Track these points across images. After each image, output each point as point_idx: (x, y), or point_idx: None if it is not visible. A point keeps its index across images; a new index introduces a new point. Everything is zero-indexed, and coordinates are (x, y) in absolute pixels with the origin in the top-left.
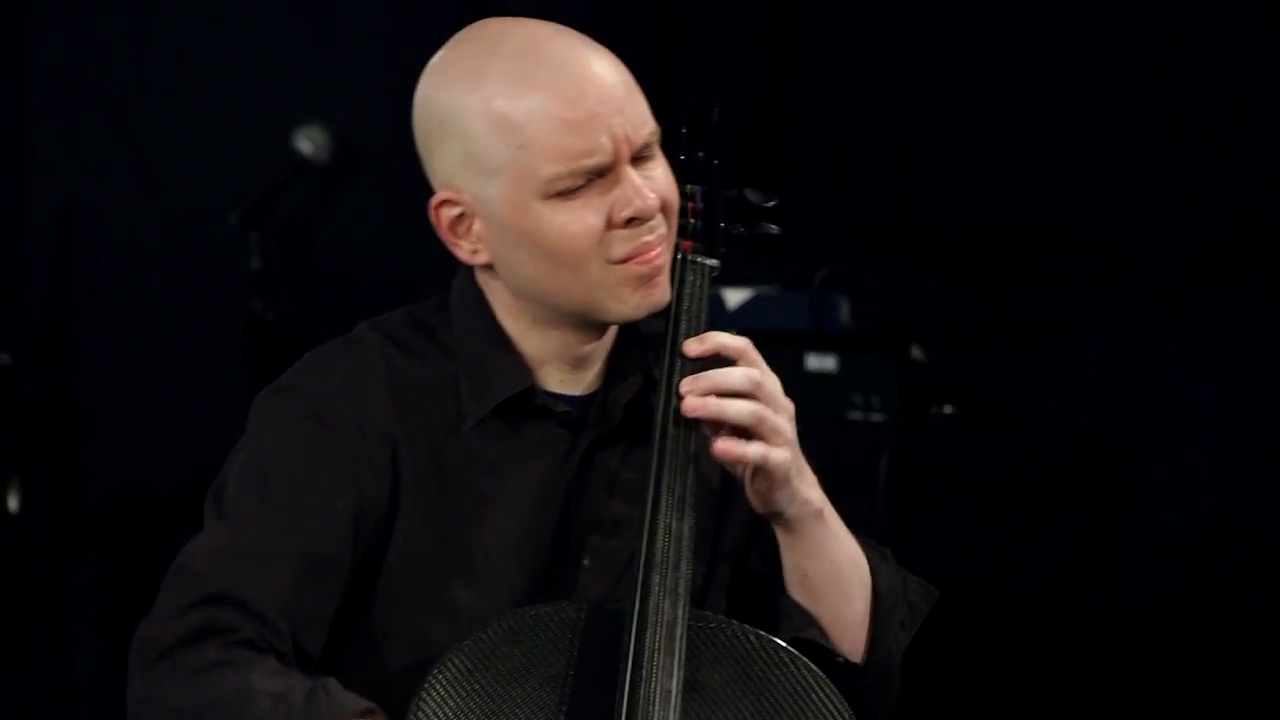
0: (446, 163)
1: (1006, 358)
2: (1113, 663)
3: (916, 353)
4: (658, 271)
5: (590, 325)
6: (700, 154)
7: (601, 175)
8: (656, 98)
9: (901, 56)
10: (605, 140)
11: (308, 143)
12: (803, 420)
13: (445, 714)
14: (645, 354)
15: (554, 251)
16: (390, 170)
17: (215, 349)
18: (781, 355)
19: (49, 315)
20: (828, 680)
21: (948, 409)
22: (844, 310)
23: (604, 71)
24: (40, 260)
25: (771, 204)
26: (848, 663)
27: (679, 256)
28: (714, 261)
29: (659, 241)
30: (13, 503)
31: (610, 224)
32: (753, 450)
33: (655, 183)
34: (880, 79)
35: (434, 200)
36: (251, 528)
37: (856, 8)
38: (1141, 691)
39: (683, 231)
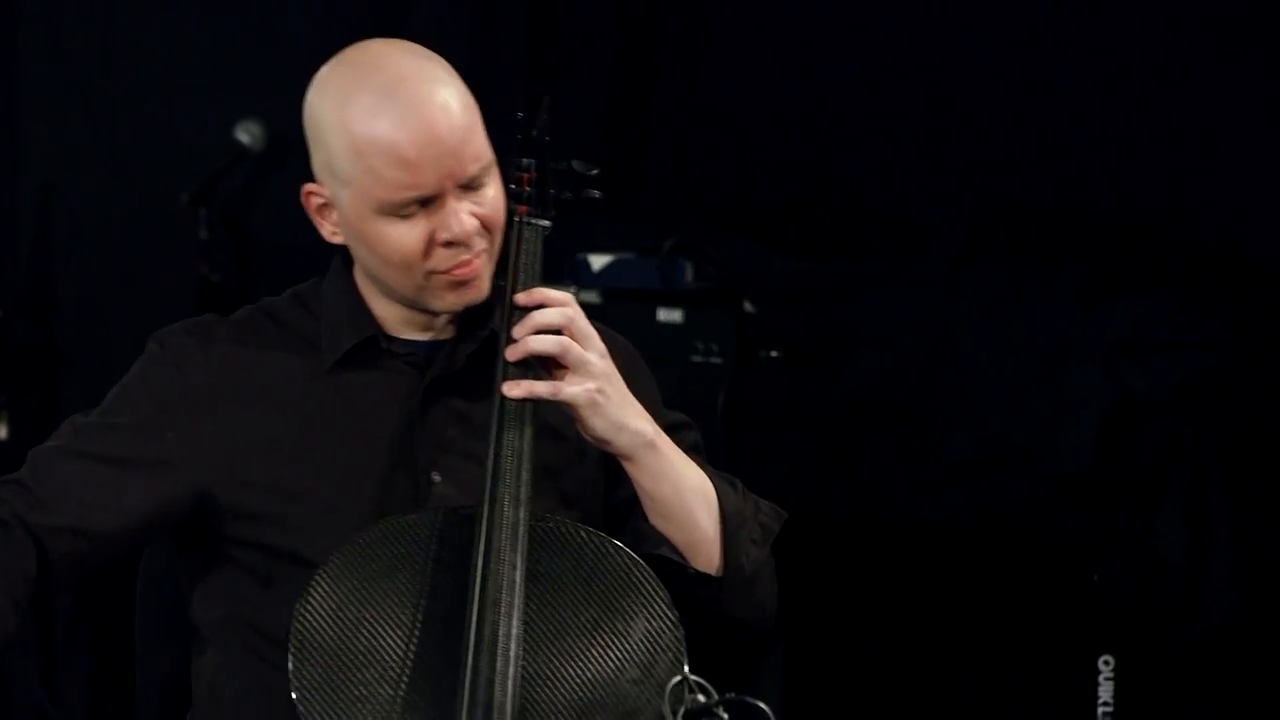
0: (316, 162)
1: (822, 311)
2: (909, 562)
3: (748, 307)
4: (473, 277)
5: (422, 309)
6: (535, 133)
7: (429, 204)
8: (529, 87)
9: (736, 61)
10: (432, 179)
11: (246, 134)
12: (653, 363)
13: (329, 607)
14: (492, 310)
15: (384, 257)
16: None
17: (170, 305)
18: (637, 309)
19: (33, 277)
20: (646, 566)
21: (774, 353)
22: (688, 272)
23: (447, 116)
24: (25, 232)
25: (594, 172)
26: (699, 574)
27: (515, 219)
28: (546, 222)
29: (475, 257)
30: (2, 432)
31: (433, 242)
32: (542, 387)
33: (482, 206)
34: (717, 81)
35: (305, 188)
36: (79, 435)
37: (698, 13)
38: (932, 587)
39: (519, 198)
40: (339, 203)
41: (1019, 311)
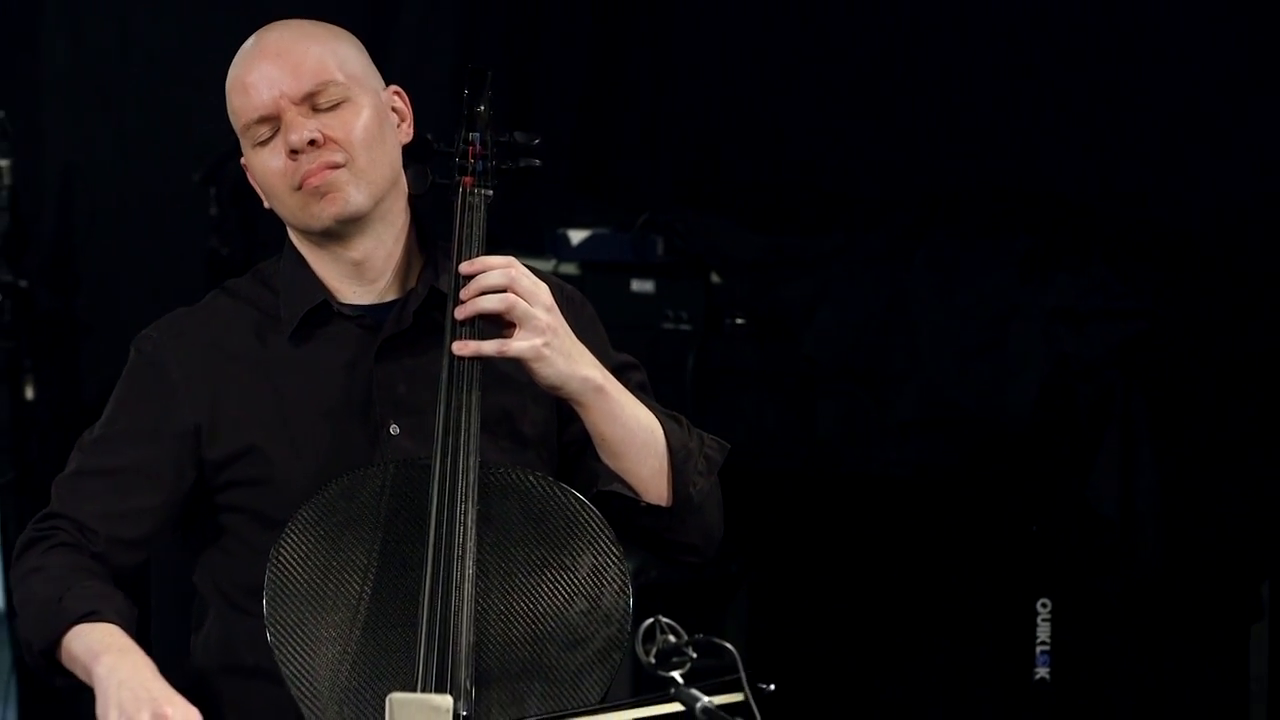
0: None
1: (783, 282)
2: (863, 513)
3: (715, 278)
4: (329, 188)
5: (326, 236)
6: (480, 108)
7: (278, 125)
8: (513, 79)
9: (703, 54)
10: (267, 96)
11: None
12: (628, 329)
13: (299, 555)
14: (434, 270)
15: (265, 189)
16: None
17: (183, 276)
18: (612, 280)
19: (56, 251)
20: (592, 506)
21: (739, 321)
22: (660, 246)
23: (280, 41)
24: (49, 209)
25: (536, 141)
26: (651, 505)
27: (461, 190)
28: (489, 192)
29: (321, 167)
30: (29, 393)
31: (287, 159)
32: (489, 346)
33: (329, 126)
34: (686, 72)
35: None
36: (86, 453)
37: (667, 10)
38: (885, 536)
39: (464, 170)
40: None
41: (965, 282)
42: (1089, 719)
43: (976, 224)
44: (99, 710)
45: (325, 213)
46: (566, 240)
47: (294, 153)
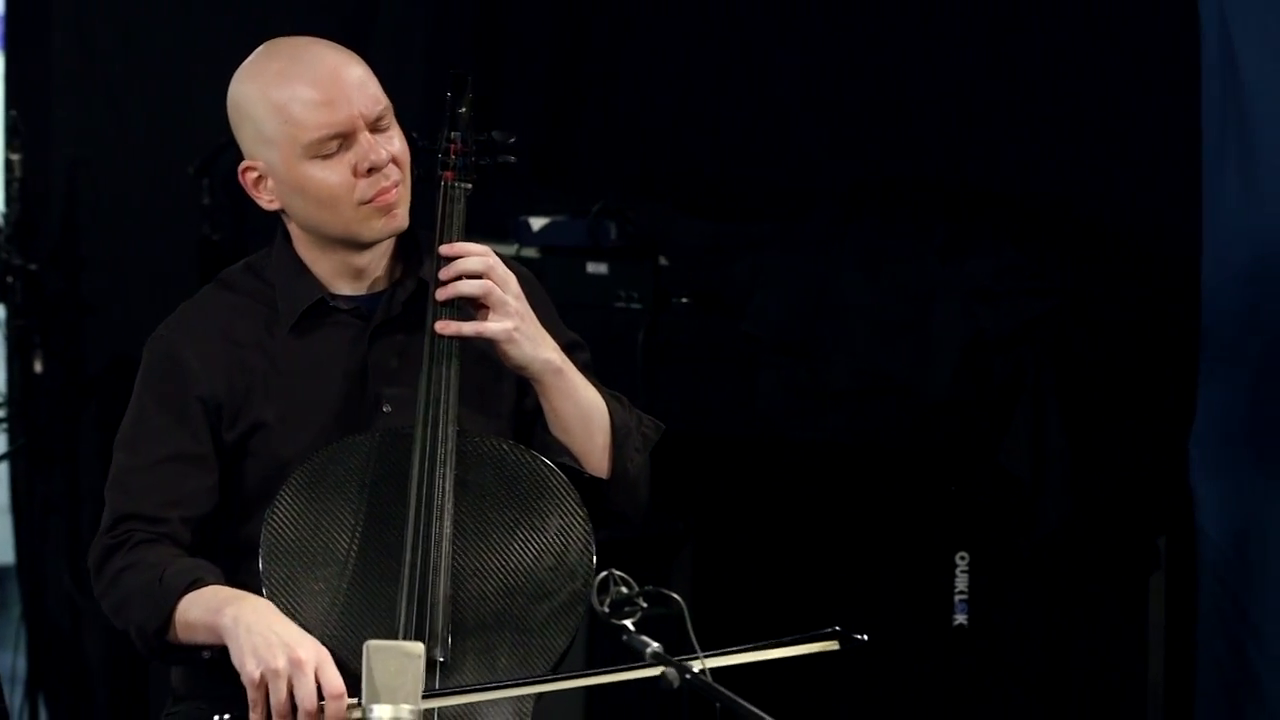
0: (245, 139)
1: (724, 265)
2: (798, 476)
3: (663, 261)
4: (395, 205)
5: (355, 245)
6: (461, 110)
7: (346, 141)
8: (480, 82)
9: (653, 57)
10: (344, 115)
11: None
12: (582, 308)
13: (291, 516)
14: (421, 262)
15: (317, 199)
16: None
17: (179, 260)
18: (569, 263)
19: (63, 237)
20: (558, 469)
21: (684, 300)
22: (613, 231)
23: (346, 65)
24: (56, 199)
25: (512, 140)
26: (593, 478)
27: (443, 184)
28: (469, 185)
29: (393, 185)
30: (38, 366)
31: (355, 174)
32: (468, 327)
33: (390, 144)
34: (637, 75)
35: (240, 166)
36: (127, 452)
37: (621, 19)
38: (818, 496)
39: (445, 165)
40: (271, 167)
41: (890, 265)
42: (1003, 662)
43: (900, 212)
44: (234, 659)
45: (386, 228)
46: (528, 226)
47: (371, 170)
